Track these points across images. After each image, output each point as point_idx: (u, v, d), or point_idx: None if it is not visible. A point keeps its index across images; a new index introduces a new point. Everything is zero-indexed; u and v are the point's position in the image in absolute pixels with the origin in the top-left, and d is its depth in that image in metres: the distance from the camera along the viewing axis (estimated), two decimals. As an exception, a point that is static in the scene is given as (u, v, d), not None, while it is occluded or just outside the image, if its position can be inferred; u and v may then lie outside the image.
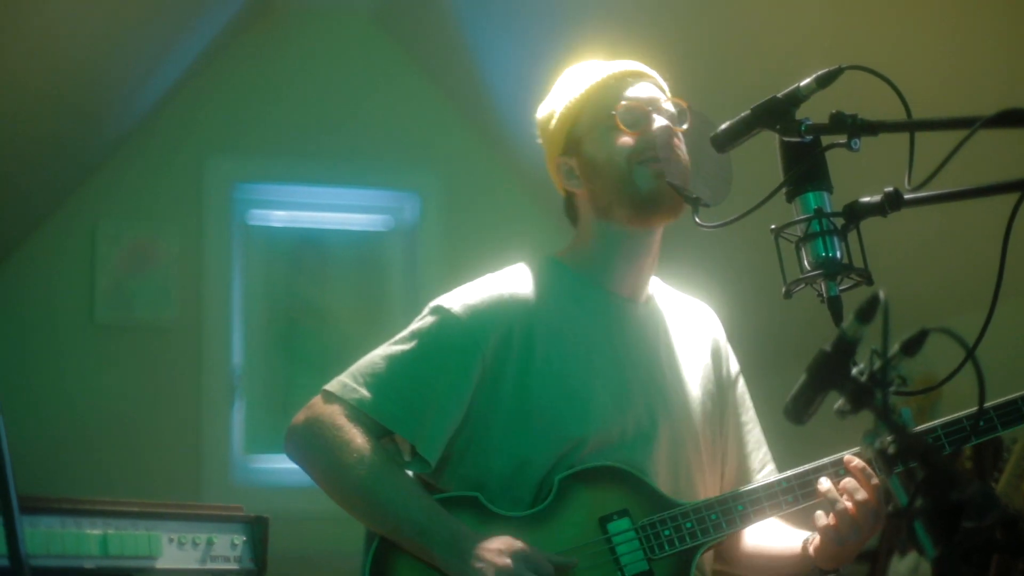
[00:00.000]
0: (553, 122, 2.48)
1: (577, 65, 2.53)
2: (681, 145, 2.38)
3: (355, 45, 5.82)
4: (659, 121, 2.38)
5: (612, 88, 2.42)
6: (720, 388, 2.54)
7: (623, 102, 2.40)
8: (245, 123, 5.66)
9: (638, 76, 2.46)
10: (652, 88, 2.45)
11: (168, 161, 5.54)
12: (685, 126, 2.39)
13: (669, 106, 2.42)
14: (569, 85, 2.48)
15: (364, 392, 2.30)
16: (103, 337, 5.34)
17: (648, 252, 2.46)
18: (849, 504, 2.19)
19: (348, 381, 2.33)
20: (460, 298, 2.38)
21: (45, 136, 4.64)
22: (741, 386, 2.60)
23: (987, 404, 2.21)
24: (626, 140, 2.37)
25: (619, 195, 2.38)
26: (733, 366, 2.60)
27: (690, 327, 2.56)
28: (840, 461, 2.26)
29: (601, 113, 2.41)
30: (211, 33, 5.30)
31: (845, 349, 1.42)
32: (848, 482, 2.22)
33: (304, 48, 5.76)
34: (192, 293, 5.45)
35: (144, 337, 5.39)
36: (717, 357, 2.56)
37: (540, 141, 2.57)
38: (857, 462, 2.23)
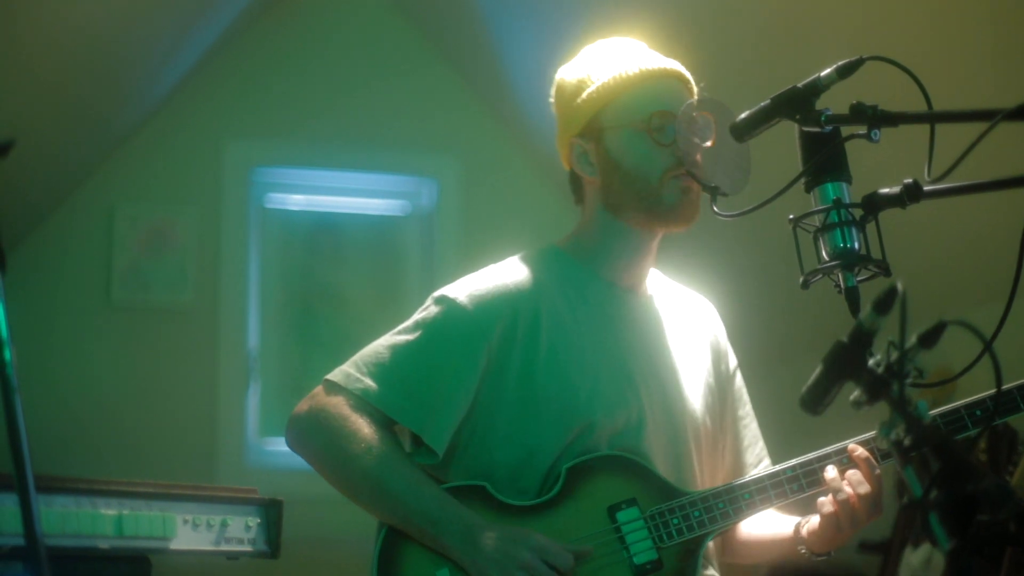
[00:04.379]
0: (577, 99, 2.42)
1: (613, 41, 2.47)
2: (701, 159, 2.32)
3: (374, 29, 5.81)
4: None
5: (648, 89, 2.36)
6: (719, 382, 2.54)
7: (657, 109, 2.33)
8: (263, 107, 5.67)
9: (674, 78, 2.41)
10: (685, 94, 2.39)
11: (186, 144, 5.55)
12: (709, 143, 2.31)
13: (700, 117, 2.33)
14: (602, 66, 2.41)
15: (369, 382, 2.29)
16: (120, 318, 5.36)
17: (649, 250, 2.45)
18: (852, 493, 2.21)
19: (352, 371, 2.32)
20: (465, 288, 2.37)
21: (64, 119, 4.65)
22: (739, 381, 2.59)
23: (989, 392, 2.21)
24: (659, 153, 2.32)
25: (638, 201, 2.36)
26: (732, 361, 2.59)
27: (689, 320, 2.55)
28: (844, 450, 2.27)
29: (633, 114, 2.35)
30: (230, 16, 5.31)
31: (862, 340, 1.42)
32: (852, 472, 2.23)
33: (323, 32, 5.76)
34: (209, 276, 5.46)
35: (160, 319, 5.41)
36: (716, 351, 2.56)
37: (553, 105, 2.51)
38: (861, 451, 2.24)
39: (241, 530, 2.69)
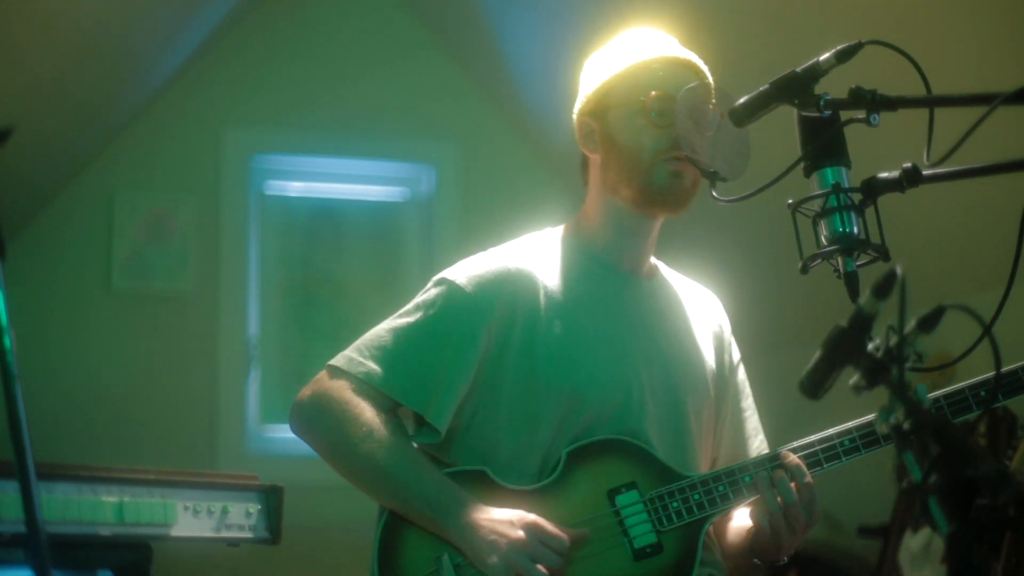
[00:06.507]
0: (591, 79, 2.46)
1: (639, 31, 2.49)
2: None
3: (373, 16, 5.81)
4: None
5: (655, 72, 2.38)
6: (720, 373, 2.54)
7: (658, 91, 2.35)
8: (262, 94, 5.67)
9: (683, 66, 2.42)
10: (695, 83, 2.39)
11: (186, 131, 5.55)
12: (709, 131, 2.32)
13: (702, 104, 2.34)
14: (619, 51, 2.45)
15: (371, 365, 2.31)
16: (120, 306, 5.36)
17: (647, 235, 2.46)
18: (778, 499, 2.23)
19: (354, 355, 2.33)
20: (465, 270, 2.39)
21: (64, 106, 4.64)
22: (742, 374, 2.60)
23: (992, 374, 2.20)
24: (653, 132, 2.34)
25: (630, 179, 2.38)
26: (735, 353, 2.60)
27: (693, 309, 2.56)
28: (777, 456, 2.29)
29: (634, 94, 2.37)
30: (229, 3, 5.30)
31: (861, 325, 1.42)
32: (780, 476, 2.25)
33: (322, 20, 5.76)
34: (209, 263, 5.46)
35: (161, 306, 5.41)
36: (719, 342, 2.56)
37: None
38: (792, 459, 2.27)
39: (242, 516, 2.70)
